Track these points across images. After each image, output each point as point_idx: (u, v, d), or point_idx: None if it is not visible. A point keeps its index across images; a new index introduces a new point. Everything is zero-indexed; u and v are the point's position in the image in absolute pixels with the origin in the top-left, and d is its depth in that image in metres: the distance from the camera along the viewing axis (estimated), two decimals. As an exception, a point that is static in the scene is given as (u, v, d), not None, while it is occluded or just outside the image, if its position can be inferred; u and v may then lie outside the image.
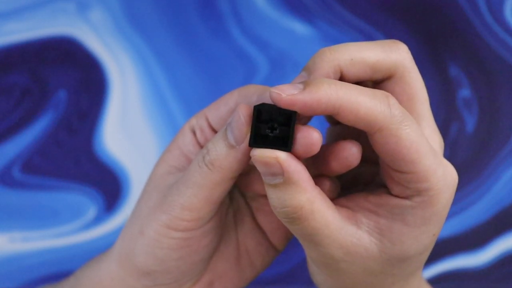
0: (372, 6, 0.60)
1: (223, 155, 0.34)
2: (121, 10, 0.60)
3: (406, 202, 0.33)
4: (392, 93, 0.35)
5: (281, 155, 0.31)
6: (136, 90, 0.60)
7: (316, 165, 0.35)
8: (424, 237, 0.34)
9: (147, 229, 0.37)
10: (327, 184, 0.35)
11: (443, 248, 0.61)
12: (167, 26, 0.60)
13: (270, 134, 0.32)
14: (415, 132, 0.31)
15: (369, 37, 0.60)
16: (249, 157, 0.34)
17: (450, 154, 0.60)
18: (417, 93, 0.35)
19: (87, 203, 0.60)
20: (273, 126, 0.32)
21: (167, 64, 0.60)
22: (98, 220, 0.60)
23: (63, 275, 0.43)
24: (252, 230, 0.41)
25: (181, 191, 0.36)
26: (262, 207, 0.41)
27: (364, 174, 0.38)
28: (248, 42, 0.60)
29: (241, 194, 0.41)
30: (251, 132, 0.32)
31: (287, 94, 0.31)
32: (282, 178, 0.31)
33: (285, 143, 0.32)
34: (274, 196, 0.32)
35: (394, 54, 0.34)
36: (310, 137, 0.31)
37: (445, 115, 0.60)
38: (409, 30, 0.60)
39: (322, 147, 0.33)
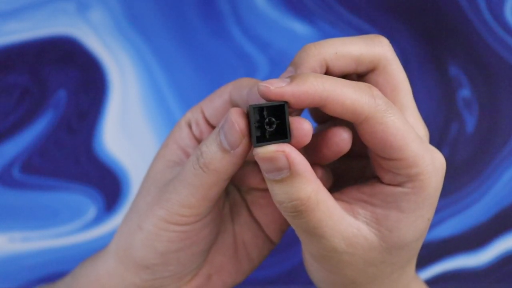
0: (372, 6, 0.60)
1: (217, 159, 0.34)
2: (121, 10, 0.60)
3: (399, 189, 0.34)
4: (376, 84, 0.36)
5: (285, 148, 0.31)
6: (136, 90, 0.60)
7: (308, 154, 0.35)
8: (419, 221, 0.34)
9: (146, 224, 0.37)
10: (319, 172, 0.36)
11: (443, 248, 0.61)
12: (167, 26, 0.60)
13: (269, 129, 0.32)
14: (400, 120, 0.32)
15: (369, 37, 0.60)
16: (244, 158, 0.34)
17: (450, 154, 0.60)
18: (400, 84, 0.36)
19: (87, 203, 0.60)
20: (270, 120, 0.32)
21: (167, 64, 0.60)
22: (98, 220, 0.60)
23: (63, 275, 0.43)
24: (248, 222, 0.41)
25: (178, 190, 0.36)
26: (256, 200, 0.41)
27: (354, 169, 0.39)
28: (248, 42, 0.60)
29: (236, 188, 0.41)
30: (252, 133, 0.32)
31: (275, 86, 0.31)
32: (289, 171, 0.31)
33: (283, 134, 0.32)
34: (280, 192, 0.32)
35: (377, 48, 0.35)
36: (302, 128, 0.32)
37: (445, 115, 0.60)
38: (409, 30, 0.60)
39: (313, 135, 0.34)
